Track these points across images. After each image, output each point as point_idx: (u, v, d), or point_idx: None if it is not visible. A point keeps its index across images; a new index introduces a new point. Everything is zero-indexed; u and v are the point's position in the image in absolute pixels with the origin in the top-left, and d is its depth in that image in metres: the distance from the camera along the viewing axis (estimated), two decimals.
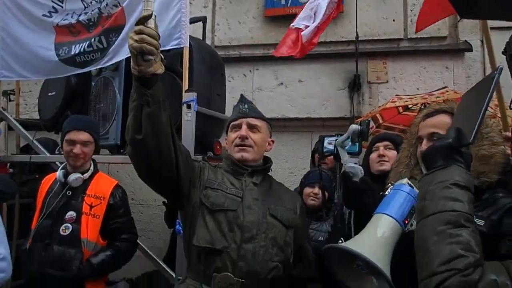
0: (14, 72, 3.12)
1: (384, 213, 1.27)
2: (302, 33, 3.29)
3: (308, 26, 3.34)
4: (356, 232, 1.41)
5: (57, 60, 2.97)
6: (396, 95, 3.33)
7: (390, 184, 1.37)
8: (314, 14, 3.39)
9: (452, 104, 1.51)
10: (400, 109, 3.28)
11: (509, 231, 1.14)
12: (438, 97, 2.93)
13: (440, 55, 3.91)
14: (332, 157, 1.81)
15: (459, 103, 1.31)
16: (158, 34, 1.33)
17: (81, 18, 2.94)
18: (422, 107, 3.45)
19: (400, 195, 1.29)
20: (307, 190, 2.48)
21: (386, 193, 1.33)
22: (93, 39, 2.82)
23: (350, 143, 1.61)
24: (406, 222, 1.26)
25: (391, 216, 1.25)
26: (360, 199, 1.44)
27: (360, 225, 1.35)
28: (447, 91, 3.03)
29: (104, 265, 2.23)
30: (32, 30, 3.07)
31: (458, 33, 3.95)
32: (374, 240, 1.21)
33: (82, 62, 2.90)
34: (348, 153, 1.70)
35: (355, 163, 1.55)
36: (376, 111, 3.30)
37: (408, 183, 1.32)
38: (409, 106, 3.25)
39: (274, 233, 1.60)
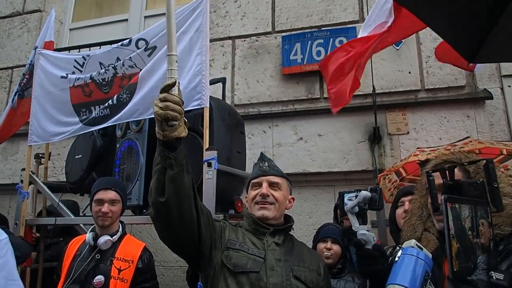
0: (41, 137, 3.28)
1: (397, 284, 1.20)
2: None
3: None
4: None
5: (79, 122, 3.10)
6: (418, 148, 3.28)
7: (398, 248, 1.32)
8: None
9: (459, 156, 1.48)
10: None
11: None
12: (462, 147, 2.86)
13: (460, 104, 3.88)
14: None
15: None
16: (182, 101, 1.39)
17: (94, 76, 3.09)
18: None
19: (410, 260, 1.22)
20: (320, 245, 2.44)
21: (396, 258, 1.27)
22: (110, 101, 2.95)
23: (357, 209, 1.57)
24: None
25: (405, 287, 1.18)
26: (373, 266, 1.38)
27: None
28: (471, 141, 2.96)
29: None
30: (53, 94, 3.26)
31: (476, 82, 3.95)
32: None
33: (93, 120, 3.02)
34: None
35: (367, 230, 1.50)
36: (398, 165, 3.23)
37: (416, 245, 1.27)
38: (432, 159, 3.17)
39: None
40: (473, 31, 1.35)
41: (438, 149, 3.08)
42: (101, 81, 3.05)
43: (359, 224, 1.55)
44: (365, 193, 1.56)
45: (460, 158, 1.44)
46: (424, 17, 1.39)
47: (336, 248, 2.38)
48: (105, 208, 2.35)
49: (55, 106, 3.24)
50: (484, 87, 3.88)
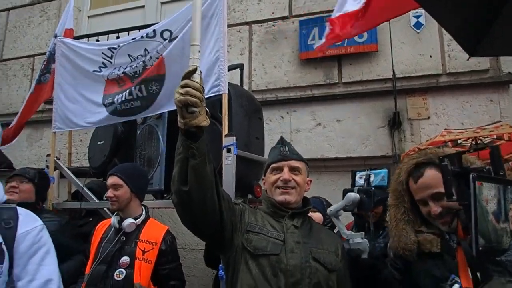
0: (65, 124, 3.37)
1: None
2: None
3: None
4: None
5: (104, 110, 3.18)
6: (445, 129, 3.22)
7: None
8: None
9: (431, 154, 1.44)
10: (449, 144, 3.15)
11: None
12: (491, 131, 2.80)
13: (482, 88, 3.79)
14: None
15: None
16: (203, 88, 1.39)
17: (127, 70, 3.15)
18: (473, 142, 3.30)
19: None
20: None
21: None
22: (133, 88, 3.00)
23: (342, 213, 1.48)
24: None
25: None
26: (373, 273, 1.35)
27: None
28: (502, 125, 2.89)
29: None
30: (84, 84, 3.34)
31: (500, 65, 3.83)
32: None
33: (122, 111, 3.08)
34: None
35: (362, 238, 1.43)
36: (423, 144, 3.20)
37: None
38: (459, 141, 3.11)
39: (317, 277, 1.56)
40: (475, 24, 1.33)
41: (466, 131, 3.02)
42: (133, 74, 3.12)
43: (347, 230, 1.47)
44: (353, 196, 1.47)
45: (431, 158, 1.40)
46: (429, 8, 1.37)
47: (315, 215, 2.42)
48: (109, 193, 2.46)
49: (84, 96, 3.31)
50: (509, 70, 3.77)
